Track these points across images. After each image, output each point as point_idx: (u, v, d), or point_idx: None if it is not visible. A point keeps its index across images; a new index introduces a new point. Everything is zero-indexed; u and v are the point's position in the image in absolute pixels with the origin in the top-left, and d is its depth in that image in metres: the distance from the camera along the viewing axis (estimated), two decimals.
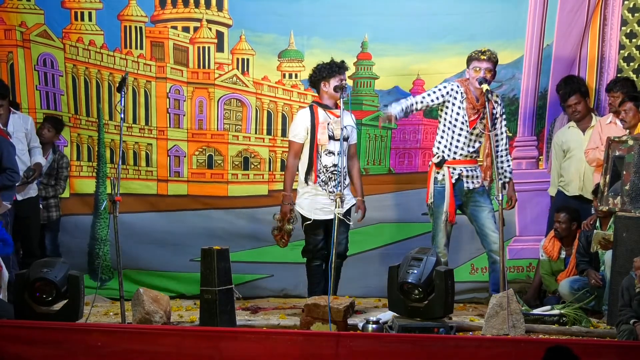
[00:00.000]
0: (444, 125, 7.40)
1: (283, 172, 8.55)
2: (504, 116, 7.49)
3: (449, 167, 7.34)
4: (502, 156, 7.46)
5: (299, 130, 7.53)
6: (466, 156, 7.36)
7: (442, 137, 7.42)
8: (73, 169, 8.64)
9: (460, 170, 7.36)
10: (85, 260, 8.59)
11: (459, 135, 7.35)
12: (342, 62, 7.60)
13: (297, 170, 7.63)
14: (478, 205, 7.39)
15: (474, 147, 7.39)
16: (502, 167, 7.45)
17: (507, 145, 7.51)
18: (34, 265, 6.63)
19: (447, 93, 7.38)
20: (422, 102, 7.42)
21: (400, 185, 8.62)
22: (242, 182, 8.68)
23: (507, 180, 7.46)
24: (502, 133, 7.45)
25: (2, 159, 7.43)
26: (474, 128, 7.31)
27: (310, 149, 7.47)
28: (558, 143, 8.27)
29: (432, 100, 7.40)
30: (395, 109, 7.33)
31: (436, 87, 7.47)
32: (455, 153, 7.36)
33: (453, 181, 7.33)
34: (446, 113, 7.38)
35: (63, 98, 8.52)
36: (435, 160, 7.42)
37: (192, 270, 8.15)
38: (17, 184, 7.73)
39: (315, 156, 7.45)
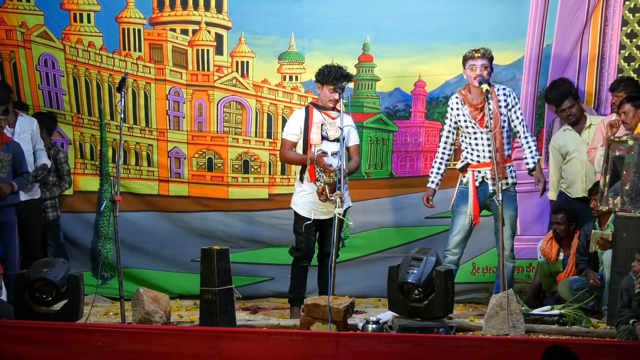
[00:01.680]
0: (463, 133, 7.50)
1: (283, 176, 8.55)
2: (518, 105, 7.49)
3: (473, 171, 7.41)
4: (527, 141, 7.45)
5: (292, 129, 7.53)
6: (490, 157, 7.34)
7: (463, 143, 7.52)
8: (77, 167, 8.63)
9: (485, 173, 7.40)
10: (88, 258, 8.59)
11: (475, 137, 7.42)
12: (343, 75, 7.38)
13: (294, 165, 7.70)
14: (498, 212, 7.39)
15: None
16: (525, 153, 7.45)
17: (526, 128, 7.49)
18: (34, 265, 6.64)
19: (452, 109, 7.51)
20: (447, 137, 7.59)
21: (402, 189, 8.59)
22: (243, 185, 8.66)
23: (530, 165, 7.48)
24: (518, 120, 7.44)
25: (20, 165, 7.55)
26: (486, 126, 7.31)
27: (304, 149, 7.46)
28: (556, 147, 8.25)
29: (450, 126, 7.55)
30: (434, 180, 7.59)
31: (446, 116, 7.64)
32: (478, 156, 7.43)
33: (477, 184, 7.39)
34: (459, 121, 7.47)
35: (65, 97, 8.52)
36: (459, 165, 7.52)
37: (192, 271, 8.15)
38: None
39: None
